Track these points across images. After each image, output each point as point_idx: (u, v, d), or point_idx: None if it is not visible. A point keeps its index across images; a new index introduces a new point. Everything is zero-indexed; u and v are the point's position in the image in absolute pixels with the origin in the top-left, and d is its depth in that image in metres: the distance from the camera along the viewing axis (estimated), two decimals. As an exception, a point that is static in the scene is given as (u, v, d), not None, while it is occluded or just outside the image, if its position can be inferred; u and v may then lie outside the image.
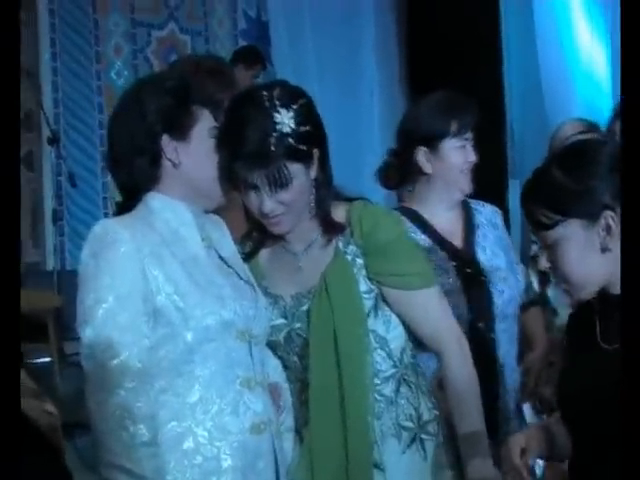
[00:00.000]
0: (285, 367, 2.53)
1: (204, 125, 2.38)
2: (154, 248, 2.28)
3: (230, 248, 2.49)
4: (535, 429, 2.34)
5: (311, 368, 2.44)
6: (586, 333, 2.17)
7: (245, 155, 2.34)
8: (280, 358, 2.52)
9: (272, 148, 2.33)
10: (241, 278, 2.43)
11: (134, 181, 2.37)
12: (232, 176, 2.39)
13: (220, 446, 2.27)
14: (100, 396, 2.17)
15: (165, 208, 2.36)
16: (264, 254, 2.58)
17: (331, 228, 2.48)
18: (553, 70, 6.58)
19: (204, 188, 2.39)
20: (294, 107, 2.37)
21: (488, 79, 6.91)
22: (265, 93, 2.38)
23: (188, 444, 2.25)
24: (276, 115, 2.34)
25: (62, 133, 7.30)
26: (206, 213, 2.46)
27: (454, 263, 2.93)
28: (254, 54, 7.23)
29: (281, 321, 2.49)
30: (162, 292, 2.25)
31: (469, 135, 2.98)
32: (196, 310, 2.26)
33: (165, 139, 2.34)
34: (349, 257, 2.47)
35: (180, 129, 2.35)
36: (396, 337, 2.51)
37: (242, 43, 7.93)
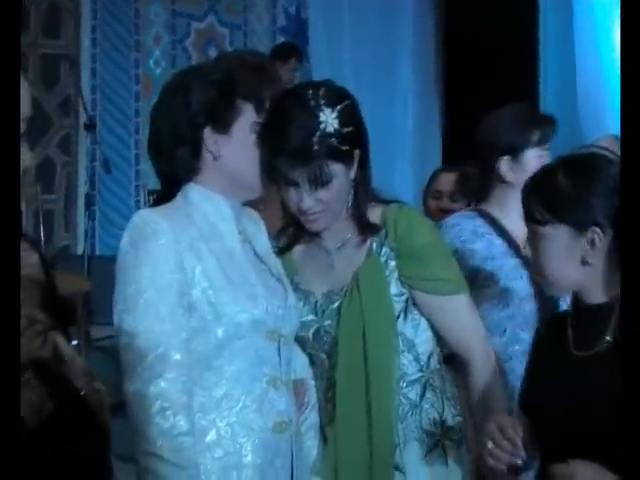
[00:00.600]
0: (312, 364, 2.55)
1: (246, 119, 2.38)
2: (192, 241, 2.28)
3: (265, 243, 2.50)
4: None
5: (338, 366, 2.45)
6: (558, 343, 2.20)
7: (288, 152, 2.36)
8: (308, 355, 2.54)
9: (315, 147, 2.35)
10: (273, 275, 2.45)
11: (174, 170, 2.38)
12: (273, 172, 2.41)
13: (242, 442, 2.27)
14: (140, 386, 2.16)
15: (204, 201, 2.37)
16: (298, 250, 2.60)
17: (366, 228, 2.50)
18: (590, 83, 6.55)
19: (243, 182, 2.40)
20: (338, 107, 2.38)
21: (524, 90, 6.93)
22: (311, 92, 2.40)
23: (211, 437, 2.26)
24: (321, 114, 2.36)
25: (98, 119, 7.38)
26: (243, 206, 2.47)
27: (527, 270, 2.91)
28: (290, 49, 7.26)
29: (311, 317, 2.51)
30: (197, 286, 2.26)
31: (548, 146, 3.03)
32: (228, 307, 2.27)
33: (207, 131, 2.35)
34: (382, 258, 2.48)
35: (223, 122, 2.35)
36: (424, 341, 2.52)
37: (280, 39, 7.97)
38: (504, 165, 3.01)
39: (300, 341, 2.50)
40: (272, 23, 8.10)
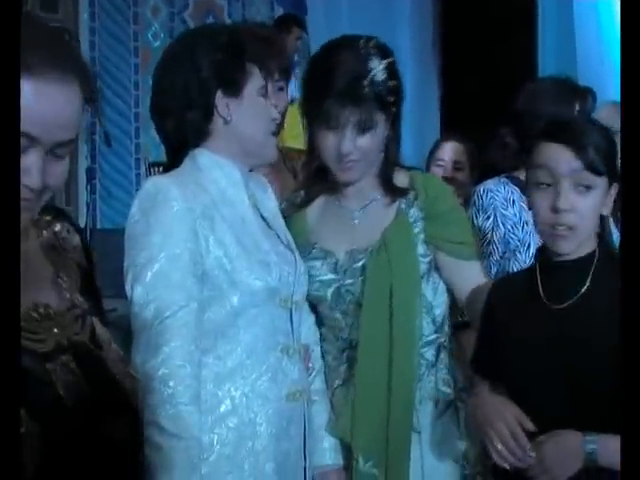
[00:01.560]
0: (322, 325, 2.58)
1: (255, 83, 2.38)
2: (205, 209, 2.27)
3: (272, 209, 2.51)
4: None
5: (362, 324, 2.48)
6: (530, 299, 2.29)
7: (338, 93, 2.39)
8: (320, 315, 2.56)
9: (365, 90, 2.41)
10: (281, 241, 2.45)
11: (182, 135, 2.37)
12: (320, 115, 2.43)
13: (257, 412, 2.28)
14: (145, 355, 2.15)
15: (214, 166, 2.36)
16: (314, 209, 2.63)
17: (395, 190, 2.55)
18: (590, 49, 6.51)
19: (253, 147, 2.39)
20: (386, 61, 2.46)
21: (522, 58, 6.90)
22: (362, 42, 2.47)
23: (225, 407, 2.26)
24: (370, 63, 2.42)
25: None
26: (250, 171, 2.48)
27: None
28: (292, 19, 7.27)
29: (331, 277, 2.53)
30: (211, 254, 2.25)
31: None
32: (243, 275, 2.27)
33: (219, 94, 2.34)
34: (410, 219, 2.52)
35: (234, 85, 2.35)
36: (440, 304, 2.58)
37: (278, 10, 7.97)
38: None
39: (316, 300, 2.52)
40: None
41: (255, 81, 2.38)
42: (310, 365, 2.52)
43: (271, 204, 2.52)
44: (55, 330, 1.71)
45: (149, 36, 7.75)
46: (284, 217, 2.56)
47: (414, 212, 2.53)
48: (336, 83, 2.40)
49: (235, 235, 2.29)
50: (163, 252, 2.19)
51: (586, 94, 3.15)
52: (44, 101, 1.59)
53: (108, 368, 1.82)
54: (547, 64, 6.85)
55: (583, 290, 2.25)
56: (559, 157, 2.23)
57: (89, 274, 1.87)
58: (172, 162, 2.40)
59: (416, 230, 2.52)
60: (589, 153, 2.22)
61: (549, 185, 2.24)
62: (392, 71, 2.48)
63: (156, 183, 2.29)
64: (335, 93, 2.39)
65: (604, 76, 6.15)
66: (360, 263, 2.51)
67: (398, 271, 2.47)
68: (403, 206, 2.54)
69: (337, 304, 2.53)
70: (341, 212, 2.59)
